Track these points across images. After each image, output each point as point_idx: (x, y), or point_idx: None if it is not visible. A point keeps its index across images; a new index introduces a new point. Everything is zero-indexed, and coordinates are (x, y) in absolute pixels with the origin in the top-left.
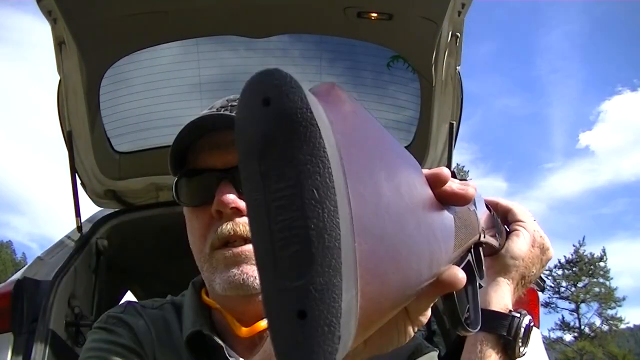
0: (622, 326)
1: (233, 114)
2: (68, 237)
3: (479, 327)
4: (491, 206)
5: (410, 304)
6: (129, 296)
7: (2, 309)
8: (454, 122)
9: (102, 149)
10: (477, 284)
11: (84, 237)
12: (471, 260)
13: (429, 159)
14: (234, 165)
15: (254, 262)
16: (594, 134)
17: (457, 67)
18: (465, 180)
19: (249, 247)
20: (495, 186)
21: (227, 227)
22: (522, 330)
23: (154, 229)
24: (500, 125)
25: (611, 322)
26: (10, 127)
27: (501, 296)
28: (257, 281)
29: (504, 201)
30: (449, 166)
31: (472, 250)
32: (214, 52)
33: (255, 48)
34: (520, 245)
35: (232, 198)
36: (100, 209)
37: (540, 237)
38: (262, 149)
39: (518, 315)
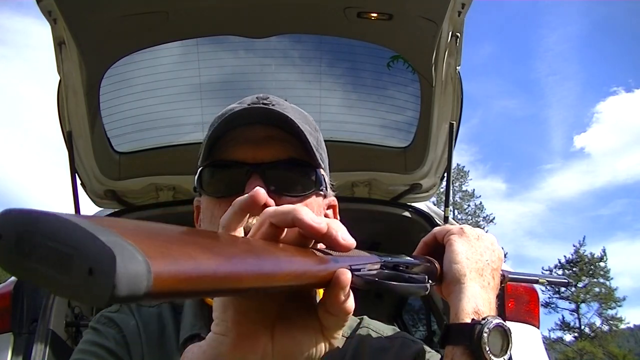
0: (622, 326)
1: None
2: None
3: None
4: (426, 244)
5: (325, 319)
6: None
7: (2, 309)
8: (454, 122)
9: (102, 149)
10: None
11: None
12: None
13: (429, 159)
14: (264, 161)
15: None
16: (588, 136)
17: (457, 67)
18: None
19: None
20: (495, 187)
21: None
22: (485, 335)
23: None
24: (500, 126)
25: (611, 322)
26: (11, 127)
27: (466, 302)
28: None
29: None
30: (449, 166)
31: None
32: (214, 53)
33: (255, 48)
34: (454, 249)
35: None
36: (100, 209)
37: (471, 229)
38: None
39: (481, 321)
